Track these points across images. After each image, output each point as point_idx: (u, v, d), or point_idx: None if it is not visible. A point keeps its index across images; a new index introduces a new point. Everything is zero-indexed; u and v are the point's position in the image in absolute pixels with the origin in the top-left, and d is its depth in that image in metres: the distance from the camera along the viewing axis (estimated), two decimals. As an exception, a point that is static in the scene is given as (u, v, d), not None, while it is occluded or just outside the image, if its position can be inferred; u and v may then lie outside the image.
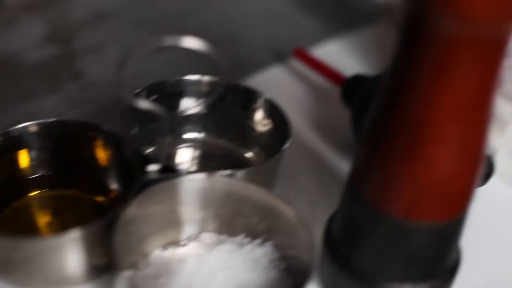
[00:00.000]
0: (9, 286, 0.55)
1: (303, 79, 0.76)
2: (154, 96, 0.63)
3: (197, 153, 0.65)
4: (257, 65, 0.77)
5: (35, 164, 0.61)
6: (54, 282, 0.55)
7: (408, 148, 0.48)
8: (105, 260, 0.55)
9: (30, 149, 0.60)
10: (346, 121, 0.70)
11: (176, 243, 0.58)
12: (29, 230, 0.59)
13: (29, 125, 0.59)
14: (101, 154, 0.61)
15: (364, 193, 0.51)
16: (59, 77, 0.73)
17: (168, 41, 0.52)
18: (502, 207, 0.67)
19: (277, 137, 0.63)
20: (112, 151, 0.60)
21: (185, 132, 0.66)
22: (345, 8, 0.86)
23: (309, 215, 0.63)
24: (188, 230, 0.58)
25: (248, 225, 0.57)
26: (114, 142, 0.59)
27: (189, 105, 0.65)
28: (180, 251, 0.57)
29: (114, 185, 0.61)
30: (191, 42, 0.51)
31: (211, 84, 0.64)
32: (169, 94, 0.64)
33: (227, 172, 0.57)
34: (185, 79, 0.64)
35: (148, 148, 0.64)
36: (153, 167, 0.56)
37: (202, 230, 0.58)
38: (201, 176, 0.56)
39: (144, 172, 0.56)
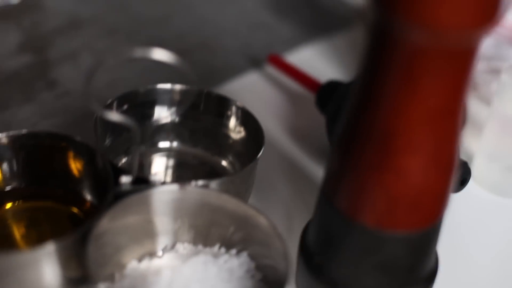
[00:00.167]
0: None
1: (278, 85, 0.76)
2: (126, 106, 0.62)
3: (172, 162, 0.65)
4: (233, 71, 0.76)
5: (7, 176, 0.60)
6: (30, 295, 0.55)
7: (378, 158, 0.48)
8: (80, 272, 0.55)
9: (2, 161, 0.60)
10: (322, 127, 0.69)
11: (152, 253, 0.57)
12: (5, 243, 0.58)
13: (0, 137, 0.59)
14: (74, 165, 0.60)
15: (337, 202, 0.51)
16: (33, 86, 0.72)
17: (138, 52, 0.51)
18: (479, 212, 0.67)
19: (251, 144, 0.63)
20: (85, 162, 0.59)
21: (159, 141, 0.65)
22: (320, 13, 0.86)
23: (286, 224, 0.63)
24: (163, 240, 0.58)
25: (224, 235, 0.57)
26: (86, 153, 0.59)
27: (162, 114, 0.64)
28: (155, 263, 0.57)
29: (88, 196, 0.60)
30: (160, 54, 0.51)
31: (183, 93, 0.64)
32: (141, 104, 0.63)
33: (201, 182, 0.56)
34: (157, 88, 0.64)
35: (122, 158, 0.63)
36: (126, 179, 0.55)
37: (177, 240, 0.58)
38: (174, 187, 0.55)
39: (117, 184, 0.55)
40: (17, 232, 0.60)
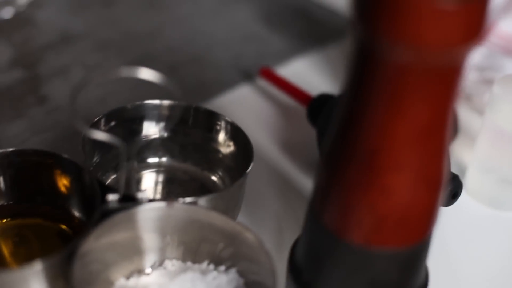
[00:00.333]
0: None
1: (270, 98, 0.75)
2: (114, 123, 0.62)
3: (161, 178, 0.65)
4: (224, 85, 0.76)
5: (-4, 194, 0.60)
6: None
7: (364, 176, 0.48)
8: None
9: (-10, 179, 0.60)
10: (313, 141, 0.69)
11: (140, 270, 0.57)
12: (-6, 261, 0.58)
13: (-12, 155, 0.59)
14: (62, 183, 0.60)
15: (324, 219, 0.51)
16: (24, 102, 0.72)
17: (124, 72, 0.51)
18: (472, 225, 0.67)
19: (241, 159, 0.63)
20: (72, 180, 0.59)
21: (148, 157, 0.65)
22: (313, 24, 0.85)
23: (276, 239, 0.62)
24: (152, 257, 0.57)
25: (213, 251, 0.57)
26: (74, 171, 0.59)
27: (151, 130, 0.64)
28: (143, 280, 0.56)
29: (77, 213, 0.60)
30: (146, 74, 0.51)
31: (171, 108, 0.64)
32: (129, 120, 0.63)
33: (189, 199, 0.56)
34: (145, 104, 0.63)
35: (111, 175, 0.63)
36: (113, 197, 0.55)
37: (166, 257, 0.57)
38: (161, 204, 0.55)
39: (104, 202, 0.55)
40: (6, 250, 0.59)
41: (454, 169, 0.71)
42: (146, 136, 0.64)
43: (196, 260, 0.57)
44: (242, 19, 0.84)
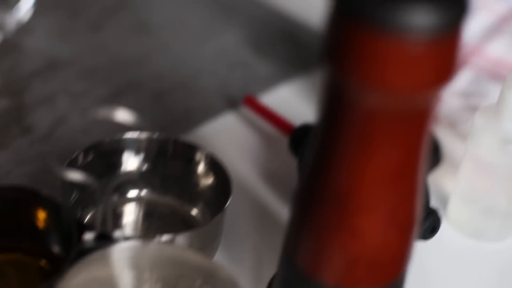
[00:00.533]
0: None
1: (255, 127, 0.75)
2: (91, 157, 0.62)
3: (141, 212, 0.65)
4: (210, 113, 0.76)
5: (-26, 230, 0.60)
6: None
7: (335, 218, 0.48)
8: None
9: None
10: (295, 171, 0.69)
11: (119, 306, 0.57)
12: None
13: (-34, 191, 0.59)
14: (41, 219, 0.60)
15: (297, 259, 0.51)
16: (8, 132, 0.72)
17: (101, 113, 0.51)
18: (454, 256, 0.67)
19: (220, 192, 0.63)
20: (51, 217, 0.59)
21: (129, 190, 0.65)
22: (301, 49, 0.85)
23: (255, 274, 0.62)
24: (130, 294, 0.57)
25: (191, 287, 0.57)
26: (52, 208, 0.59)
27: (130, 163, 0.64)
28: (121, 317, 0.57)
29: (57, 248, 0.60)
30: (122, 115, 0.51)
31: (150, 141, 0.64)
32: (108, 153, 0.63)
33: (166, 237, 0.56)
34: (123, 138, 0.63)
35: (91, 209, 0.63)
36: (89, 235, 0.55)
37: (144, 293, 0.58)
38: (136, 243, 0.55)
39: (81, 240, 0.55)
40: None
41: (436, 198, 0.71)
42: (126, 170, 0.65)
43: (174, 296, 0.57)
44: (229, 44, 0.85)
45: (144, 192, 0.66)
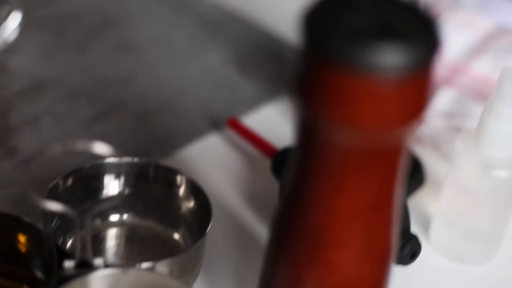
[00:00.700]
0: None
1: (238, 148, 0.76)
2: (72, 183, 0.63)
3: (124, 236, 0.65)
4: (194, 134, 0.77)
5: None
6: None
7: (310, 251, 0.48)
8: None
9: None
10: (278, 194, 0.70)
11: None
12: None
13: None
14: (23, 244, 0.60)
15: (274, 291, 0.51)
16: (-7, 154, 0.73)
17: (80, 146, 0.52)
18: (436, 279, 0.67)
19: (201, 216, 0.63)
20: (32, 242, 0.60)
21: (111, 214, 0.66)
22: (286, 69, 0.85)
23: (235, 298, 0.63)
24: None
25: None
26: (34, 234, 0.59)
27: (111, 187, 0.65)
28: None
29: (39, 273, 0.61)
30: (100, 148, 0.51)
31: (130, 165, 0.64)
32: (89, 178, 0.64)
33: (146, 264, 0.57)
34: (104, 163, 0.64)
35: (73, 235, 0.64)
36: (69, 263, 0.55)
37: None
38: (116, 271, 0.55)
39: (61, 267, 0.56)
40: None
41: (419, 219, 0.71)
42: (107, 194, 0.65)
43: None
44: (214, 63, 0.85)
45: (126, 216, 0.66)
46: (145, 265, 0.57)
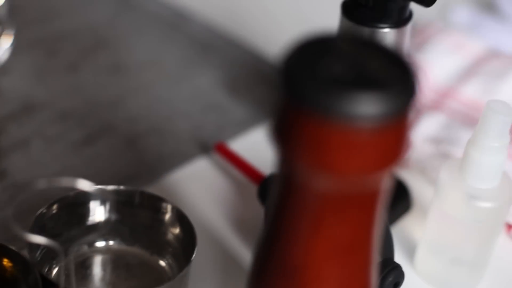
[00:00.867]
0: None
1: (226, 173, 0.76)
2: (58, 211, 0.63)
3: (110, 263, 0.66)
4: (182, 158, 0.77)
5: None
6: None
7: (288, 289, 0.49)
8: None
9: None
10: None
11: None
12: None
13: None
14: (10, 272, 0.61)
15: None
16: (-18, 178, 0.73)
17: (64, 182, 0.53)
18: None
19: (187, 244, 0.64)
20: (19, 270, 0.60)
21: (97, 241, 0.66)
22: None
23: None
24: None
25: None
26: (20, 262, 0.60)
27: (97, 214, 0.65)
28: None
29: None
30: (84, 185, 0.52)
31: (116, 193, 0.65)
32: (74, 206, 0.64)
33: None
34: (89, 191, 0.64)
35: (59, 263, 0.64)
36: (53, 293, 0.56)
37: None
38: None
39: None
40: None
41: (405, 245, 0.72)
42: (94, 221, 0.65)
43: None
44: (205, 86, 0.85)
45: (112, 243, 0.66)
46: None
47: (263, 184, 0.70)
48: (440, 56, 0.89)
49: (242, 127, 0.81)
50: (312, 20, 0.94)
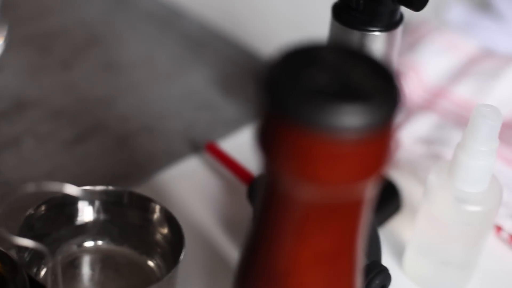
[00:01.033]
0: None
1: (217, 173, 0.76)
2: (46, 212, 0.63)
3: (99, 263, 0.66)
4: (174, 157, 0.77)
5: None
6: None
7: (273, 295, 0.49)
8: None
9: None
10: (254, 220, 0.70)
11: None
12: None
13: None
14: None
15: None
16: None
17: (52, 187, 0.53)
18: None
19: (175, 244, 0.64)
20: (7, 271, 0.60)
21: (86, 241, 0.66)
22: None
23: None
24: None
25: None
26: (8, 263, 0.60)
27: (86, 214, 0.65)
28: None
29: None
30: (71, 190, 0.52)
31: (105, 193, 0.65)
32: (63, 206, 0.65)
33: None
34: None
35: (48, 262, 0.64)
36: (41, 295, 0.56)
37: None
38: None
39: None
40: None
41: (394, 246, 0.72)
42: (83, 220, 0.66)
43: None
44: (197, 84, 0.85)
45: (101, 243, 0.67)
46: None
47: (253, 184, 0.70)
48: (433, 56, 0.89)
49: (234, 126, 0.81)
50: (306, 20, 0.94)
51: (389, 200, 0.74)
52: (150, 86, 0.85)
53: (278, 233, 0.47)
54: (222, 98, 0.84)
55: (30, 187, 0.53)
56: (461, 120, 0.82)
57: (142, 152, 0.77)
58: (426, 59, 0.88)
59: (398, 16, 0.66)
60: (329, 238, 0.47)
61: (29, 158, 0.75)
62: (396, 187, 0.75)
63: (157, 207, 0.65)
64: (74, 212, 0.65)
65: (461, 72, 0.88)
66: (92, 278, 0.65)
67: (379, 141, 0.43)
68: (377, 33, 0.65)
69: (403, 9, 0.65)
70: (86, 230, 0.66)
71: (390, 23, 0.65)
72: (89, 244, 0.67)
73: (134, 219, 0.66)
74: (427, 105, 0.84)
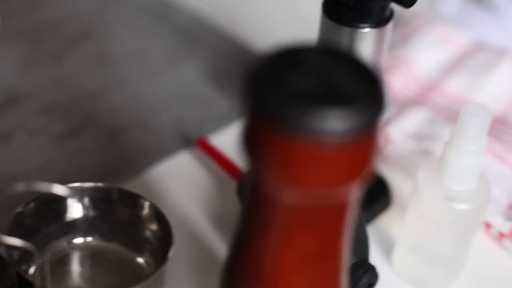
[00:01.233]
0: None
1: (207, 168, 0.76)
2: (35, 208, 0.64)
3: (88, 259, 0.66)
4: (165, 151, 0.77)
5: None
6: None
7: (257, 296, 0.49)
8: None
9: None
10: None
11: None
12: None
13: None
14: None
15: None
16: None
17: (41, 187, 0.53)
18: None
19: (164, 241, 0.64)
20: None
21: (76, 237, 0.66)
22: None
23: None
24: None
25: None
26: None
27: (75, 210, 0.66)
28: None
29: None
30: (60, 190, 0.52)
31: (94, 190, 0.65)
32: (52, 202, 0.65)
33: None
34: (67, 187, 0.65)
35: (36, 260, 0.65)
36: (29, 293, 0.57)
37: None
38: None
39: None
40: None
41: (384, 242, 0.72)
42: (72, 217, 0.66)
43: None
44: (190, 78, 0.85)
45: (91, 239, 0.67)
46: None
47: (242, 180, 0.70)
48: (425, 49, 0.89)
49: (226, 120, 0.81)
50: (299, 14, 0.94)
51: (379, 197, 0.74)
52: (141, 80, 0.85)
53: (262, 234, 0.47)
54: (215, 93, 0.84)
55: (19, 187, 0.53)
56: (453, 115, 0.82)
57: (133, 146, 0.77)
58: (418, 53, 0.88)
59: (388, 12, 0.66)
60: (313, 240, 0.47)
61: (20, 153, 0.75)
62: (386, 183, 0.75)
63: (146, 204, 0.65)
64: (63, 209, 0.66)
65: (454, 66, 0.88)
66: (81, 274, 0.65)
67: (363, 145, 0.43)
68: (367, 29, 0.65)
69: (395, 5, 0.65)
70: (76, 226, 0.66)
71: (381, 20, 0.65)
72: (78, 240, 0.67)
73: (123, 215, 0.66)
74: (419, 100, 0.84)
